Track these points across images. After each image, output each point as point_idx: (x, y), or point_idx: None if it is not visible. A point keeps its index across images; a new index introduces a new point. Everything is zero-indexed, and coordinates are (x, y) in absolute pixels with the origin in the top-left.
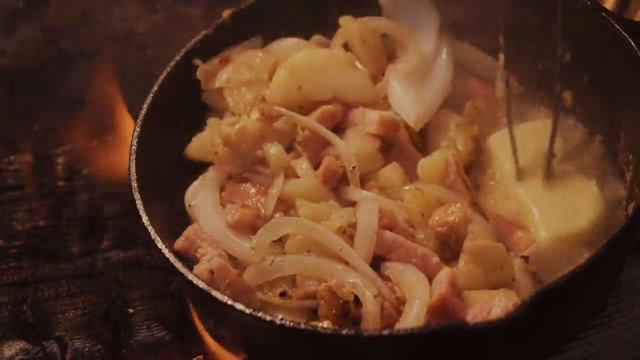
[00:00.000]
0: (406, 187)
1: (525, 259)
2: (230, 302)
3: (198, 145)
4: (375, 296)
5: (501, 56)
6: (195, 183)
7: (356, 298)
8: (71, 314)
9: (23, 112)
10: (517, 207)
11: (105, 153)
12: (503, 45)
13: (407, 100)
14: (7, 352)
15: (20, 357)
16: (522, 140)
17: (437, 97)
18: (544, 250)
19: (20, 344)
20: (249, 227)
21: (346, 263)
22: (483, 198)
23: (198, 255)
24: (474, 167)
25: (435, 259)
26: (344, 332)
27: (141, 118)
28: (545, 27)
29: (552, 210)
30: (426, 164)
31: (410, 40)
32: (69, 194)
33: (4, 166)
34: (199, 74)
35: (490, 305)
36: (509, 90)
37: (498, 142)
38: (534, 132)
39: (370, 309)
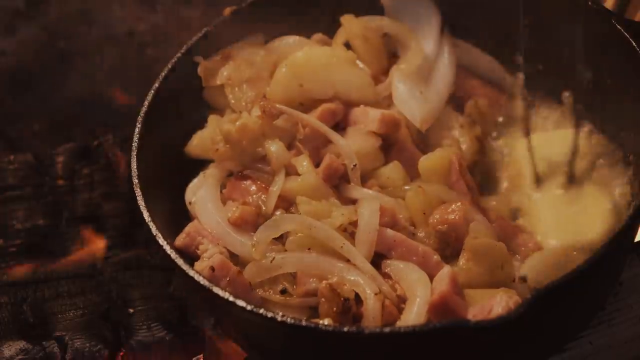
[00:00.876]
0: (406, 187)
1: (523, 279)
2: (231, 298)
3: (199, 143)
4: (376, 294)
5: (520, 75)
6: (195, 180)
7: (357, 296)
8: (71, 314)
9: (23, 112)
10: (530, 214)
11: (105, 153)
12: (522, 64)
13: (413, 101)
14: (7, 352)
15: (20, 357)
16: (544, 148)
17: (441, 97)
18: (548, 259)
19: (20, 344)
20: (250, 225)
21: (347, 261)
22: (488, 198)
23: (199, 252)
24: (477, 167)
25: (436, 257)
26: (345, 329)
27: (142, 115)
28: (544, 27)
29: (564, 221)
30: (427, 161)
31: (413, 39)
32: (69, 194)
33: (4, 166)
34: (200, 71)
35: (491, 304)
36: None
37: (522, 148)
38: (556, 141)
39: (371, 306)
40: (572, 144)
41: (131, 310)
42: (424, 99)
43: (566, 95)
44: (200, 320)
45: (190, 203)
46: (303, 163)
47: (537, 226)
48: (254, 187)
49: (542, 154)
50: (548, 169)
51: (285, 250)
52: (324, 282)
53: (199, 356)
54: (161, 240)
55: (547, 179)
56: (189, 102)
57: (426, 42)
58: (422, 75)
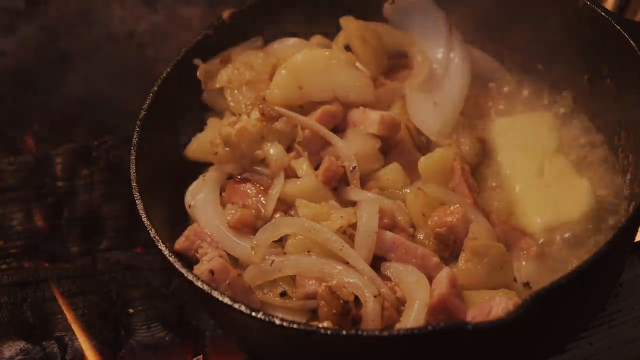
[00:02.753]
0: (406, 190)
1: (527, 284)
2: (230, 302)
3: (198, 146)
4: (375, 296)
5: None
6: (195, 183)
7: (356, 298)
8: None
9: (23, 112)
10: (514, 199)
11: (105, 153)
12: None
13: (428, 115)
14: (7, 352)
15: (20, 357)
16: (519, 132)
17: (456, 104)
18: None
19: (20, 344)
20: (249, 227)
21: (346, 263)
22: (488, 200)
23: (198, 255)
24: (479, 168)
25: (435, 259)
26: (344, 332)
27: (141, 118)
28: (544, 27)
29: (545, 202)
30: (427, 161)
31: (416, 48)
32: (69, 194)
33: (3, 167)
34: (199, 74)
35: (490, 306)
36: None
37: (497, 133)
38: (530, 124)
39: (371, 309)
40: (567, 139)
41: (131, 310)
42: (439, 111)
43: (566, 94)
44: (200, 320)
45: (189, 206)
46: (302, 166)
47: (524, 208)
48: (253, 190)
49: (523, 137)
50: (529, 154)
51: (285, 253)
52: (323, 284)
53: (198, 356)
54: (160, 244)
55: (527, 163)
56: (188, 105)
57: (436, 49)
58: (434, 83)
